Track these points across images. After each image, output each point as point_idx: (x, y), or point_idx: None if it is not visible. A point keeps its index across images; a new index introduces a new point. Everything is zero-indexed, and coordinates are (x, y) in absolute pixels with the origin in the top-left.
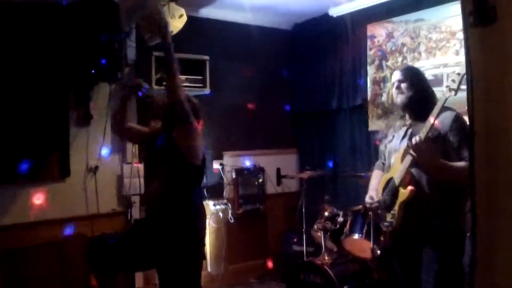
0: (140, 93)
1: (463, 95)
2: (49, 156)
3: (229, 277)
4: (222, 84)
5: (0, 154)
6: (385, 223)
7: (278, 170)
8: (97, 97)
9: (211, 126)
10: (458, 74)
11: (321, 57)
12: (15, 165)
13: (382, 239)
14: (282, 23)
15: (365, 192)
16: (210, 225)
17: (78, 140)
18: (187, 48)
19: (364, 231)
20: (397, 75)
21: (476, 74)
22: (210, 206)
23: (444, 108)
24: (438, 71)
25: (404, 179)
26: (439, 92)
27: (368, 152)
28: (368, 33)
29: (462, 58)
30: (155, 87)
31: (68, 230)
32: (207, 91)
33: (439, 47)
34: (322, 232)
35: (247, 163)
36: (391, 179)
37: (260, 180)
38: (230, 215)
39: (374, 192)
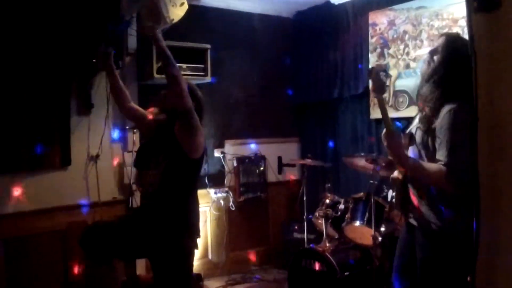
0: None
1: None
2: (50, 145)
3: (230, 264)
4: (223, 72)
5: (1, 142)
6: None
7: (280, 158)
8: (98, 86)
9: (213, 114)
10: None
11: (323, 45)
12: (16, 153)
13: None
14: (283, 11)
15: (366, 179)
16: (211, 212)
17: (79, 129)
18: (188, 37)
19: (365, 218)
20: (429, 49)
21: (480, 60)
22: (211, 194)
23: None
24: None
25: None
26: None
27: (369, 140)
28: (370, 21)
29: None
30: (157, 75)
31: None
32: (208, 79)
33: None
34: (323, 219)
35: (249, 151)
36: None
37: (262, 168)
38: (231, 203)
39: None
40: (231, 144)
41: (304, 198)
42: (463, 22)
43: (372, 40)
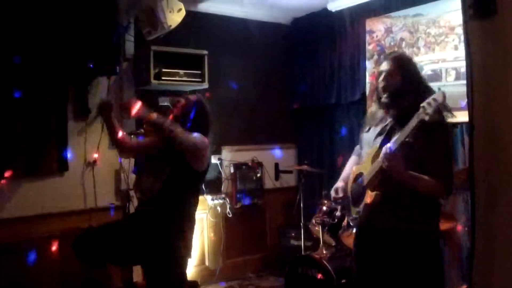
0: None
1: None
2: (47, 150)
3: (227, 271)
4: (220, 79)
5: None
6: (351, 217)
7: (276, 164)
8: (95, 91)
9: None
10: (435, 100)
11: (320, 52)
12: (13, 158)
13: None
14: (281, 18)
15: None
16: (208, 219)
17: (76, 134)
18: (185, 43)
19: None
20: (386, 65)
21: (476, 66)
22: (208, 200)
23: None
24: (437, 66)
25: (372, 182)
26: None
27: None
28: (367, 28)
29: (460, 53)
30: (154, 81)
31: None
32: (205, 85)
33: (438, 42)
34: (320, 226)
35: (246, 157)
36: (361, 174)
37: (258, 175)
38: (228, 209)
39: (342, 183)
40: (228, 150)
41: (301, 205)
42: (460, 30)
43: (369, 47)
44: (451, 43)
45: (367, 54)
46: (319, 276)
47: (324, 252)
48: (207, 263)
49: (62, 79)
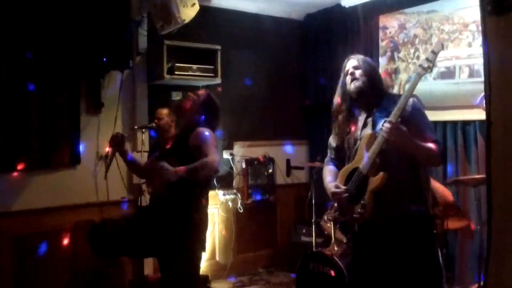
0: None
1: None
2: (60, 144)
3: (237, 266)
4: (233, 73)
5: (11, 141)
6: (355, 215)
7: (288, 160)
8: (108, 86)
9: (222, 116)
10: (433, 52)
11: (333, 48)
12: (26, 152)
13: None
14: (294, 13)
15: None
16: (219, 214)
17: (89, 128)
18: (198, 37)
19: None
20: (352, 63)
21: (493, 63)
22: (219, 195)
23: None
24: (450, 63)
25: (373, 166)
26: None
27: None
28: (380, 24)
29: (474, 50)
30: (167, 76)
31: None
32: (218, 80)
33: (451, 38)
34: (331, 223)
35: (257, 153)
36: (355, 169)
37: (270, 171)
38: (239, 204)
39: (334, 183)
40: (240, 146)
41: (313, 201)
42: (474, 27)
43: (382, 44)
44: (465, 40)
45: (380, 51)
46: (332, 273)
47: (336, 249)
48: (218, 258)
49: (75, 73)
